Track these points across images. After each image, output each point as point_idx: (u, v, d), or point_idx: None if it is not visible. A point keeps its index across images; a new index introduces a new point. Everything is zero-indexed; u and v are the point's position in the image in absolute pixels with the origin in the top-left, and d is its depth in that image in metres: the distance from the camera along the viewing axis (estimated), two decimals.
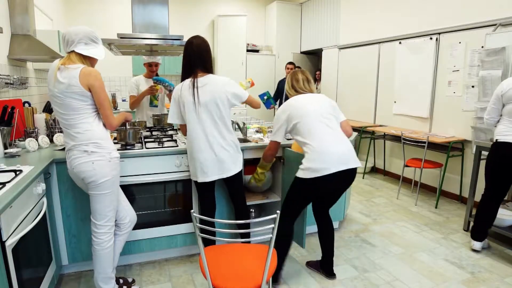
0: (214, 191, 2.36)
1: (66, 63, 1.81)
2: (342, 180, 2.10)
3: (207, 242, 2.17)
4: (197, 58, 2.11)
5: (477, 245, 2.76)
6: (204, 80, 2.11)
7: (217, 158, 2.15)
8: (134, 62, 6.15)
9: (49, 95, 1.87)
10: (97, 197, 1.91)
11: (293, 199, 2.17)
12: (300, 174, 2.06)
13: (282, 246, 2.19)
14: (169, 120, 2.22)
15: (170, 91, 3.24)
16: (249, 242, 1.91)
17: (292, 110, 2.13)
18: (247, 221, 1.62)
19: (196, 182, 2.26)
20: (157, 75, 3.42)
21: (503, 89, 2.53)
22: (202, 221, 1.81)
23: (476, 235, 2.77)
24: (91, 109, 1.87)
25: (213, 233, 2.15)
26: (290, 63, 5.41)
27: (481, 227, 2.74)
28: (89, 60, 1.88)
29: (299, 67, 6.14)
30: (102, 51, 1.92)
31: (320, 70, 6.45)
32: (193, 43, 2.12)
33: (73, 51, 1.82)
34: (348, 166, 2.04)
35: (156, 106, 3.49)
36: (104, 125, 1.93)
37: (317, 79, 6.43)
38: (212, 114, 2.11)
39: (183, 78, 2.16)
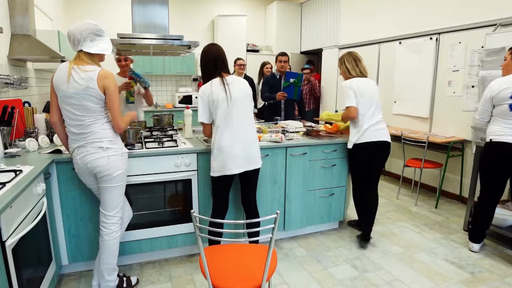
0: (230, 188, 2.38)
1: (79, 64, 1.87)
2: (380, 149, 2.78)
3: (212, 241, 2.17)
4: (221, 60, 2.25)
5: (476, 247, 2.77)
6: (230, 78, 2.25)
7: (247, 150, 2.22)
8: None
9: (60, 95, 1.90)
10: (109, 190, 1.99)
11: (350, 167, 2.97)
12: (348, 145, 2.83)
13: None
14: (199, 120, 2.26)
15: (146, 88, 3.20)
16: (257, 242, 1.95)
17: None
18: (247, 221, 1.62)
19: (218, 178, 2.25)
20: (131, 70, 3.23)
21: (493, 91, 2.51)
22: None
23: (475, 237, 2.77)
24: (104, 111, 1.96)
25: (218, 233, 2.15)
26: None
27: (479, 229, 2.75)
28: (98, 56, 1.94)
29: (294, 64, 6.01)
30: (109, 43, 1.98)
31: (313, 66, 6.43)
32: (213, 48, 2.28)
33: (81, 50, 1.88)
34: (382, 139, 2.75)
35: (133, 102, 3.26)
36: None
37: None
38: (242, 109, 2.22)
39: (206, 80, 2.26)
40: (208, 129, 2.30)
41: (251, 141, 2.25)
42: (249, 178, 2.35)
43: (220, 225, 2.26)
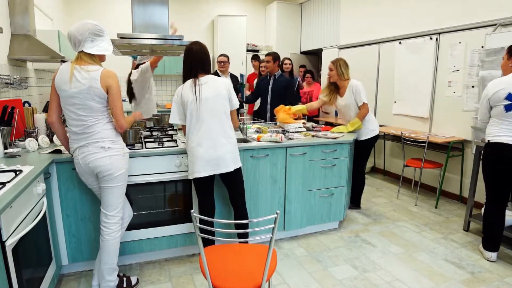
0: (213, 189, 2.36)
1: (81, 64, 1.87)
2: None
3: (207, 243, 2.18)
4: (197, 62, 2.20)
5: (494, 255, 2.62)
6: (205, 79, 2.20)
7: (217, 154, 2.17)
8: None
9: (62, 96, 1.90)
10: (111, 189, 2.00)
11: (364, 157, 3.50)
12: (370, 135, 3.35)
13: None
14: (171, 121, 2.27)
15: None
16: (247, 242, 1.93)
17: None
18: (247, 221, 1.62)
19: (194, 180, 2.27)
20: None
21: (489, 93, 2.50)
22: (201, 221, 1.82)
23: (490, 245, 2.64)
24: (106, 110, 1.97)
25: (212, 233, 2.16)
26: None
27: (492, 235, 2.62)
28: (99, 56, 1.94)
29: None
30: (109, 43, 1.98)
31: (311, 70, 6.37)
32: (193, 49, 2.22)
33: (82, 51, 1.88)
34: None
35: None
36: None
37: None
38: (213, 110, 2.17)
39: (184, 81, 2.24)
40: (185, 129, 2.29)
41: (221, 143, 2.18)
42: (229, 181, 2.32)
43: (211, 225, 2.26)
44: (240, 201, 2.40)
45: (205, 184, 2.28)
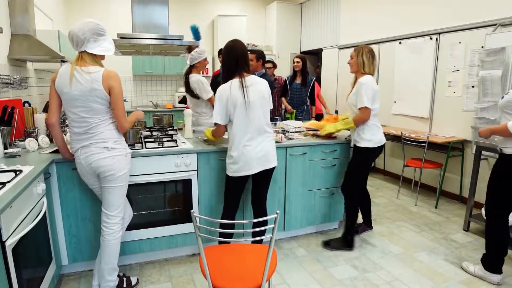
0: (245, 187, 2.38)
1: (82, 65, 1.85)
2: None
3: (221, 241, 2.17)
4: (243, 59, 2.22)
5: (498, 278, 2.31)
6: (250, 80, 2.22)
7: (264, 151, 2.22)
8: (134, 62, 6.15)
9: (64, 99, 1.89)
10: (113, 189, 1.99)
11: (365, 167, 2.82)
12: (369, 144, 2.64)
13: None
14: (214, 120, 2.25)
15: None
16: (261, 241, 1.99)
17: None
18: (248, 221, 1.62)
19: (235, 178, 2.25)
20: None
21: None
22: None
23: (498, 266, 2.31)
24: (109, 111, 1.96)
25: (230, 234, 2.15)
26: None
27: (498, 252, 2.30)
28: (100, 56, 1.93)
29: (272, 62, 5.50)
30: (111, 42, 1.96)
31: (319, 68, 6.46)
32: (237, 46, 2.24)
33: (84, 51, 1.86)
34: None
35: None
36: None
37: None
38: (259, 111, 2.21)
39: (226, 79, 2.24)
40: (221, 130, 2.31)
41: (267, 141, 2.25)
42: (265, 177, 2.35)
43: (231, 226, 2.28)
44: (265, 200, 2.44)
45: (243, 182, 2.31)
